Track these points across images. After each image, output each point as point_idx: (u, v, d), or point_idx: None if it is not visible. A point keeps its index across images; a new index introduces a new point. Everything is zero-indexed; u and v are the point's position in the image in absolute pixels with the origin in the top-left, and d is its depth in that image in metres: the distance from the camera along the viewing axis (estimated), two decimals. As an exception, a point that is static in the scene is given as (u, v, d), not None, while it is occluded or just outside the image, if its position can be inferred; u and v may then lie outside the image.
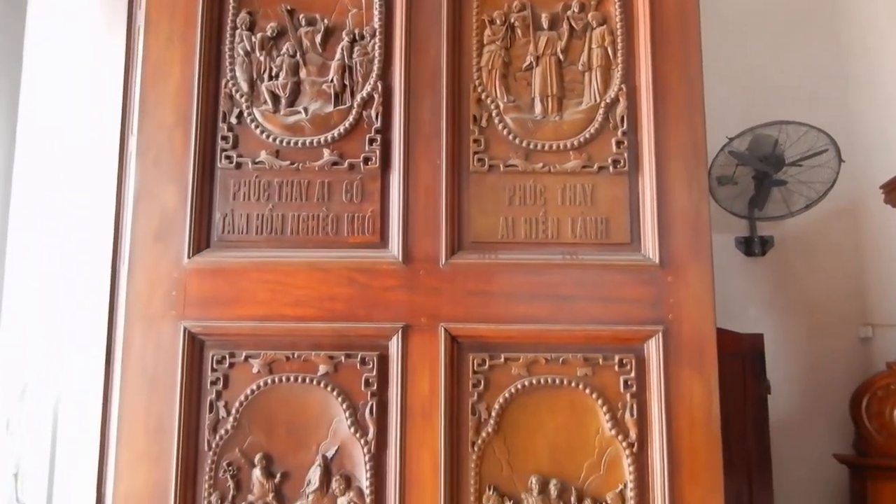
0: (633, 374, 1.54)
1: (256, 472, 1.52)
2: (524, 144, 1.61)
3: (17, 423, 2.13)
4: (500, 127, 1.62)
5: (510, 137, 1.62)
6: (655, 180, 1.59)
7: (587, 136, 1.62)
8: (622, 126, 1.62)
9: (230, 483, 1.51)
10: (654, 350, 1.54)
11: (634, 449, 1.52)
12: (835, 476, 2.53)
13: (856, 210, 2.78)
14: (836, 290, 2.74)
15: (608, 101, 1.62)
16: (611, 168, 1.61)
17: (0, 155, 2.22)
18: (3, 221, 2.37)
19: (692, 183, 1.60)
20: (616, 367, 1.54)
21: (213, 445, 1.52)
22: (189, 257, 1.56)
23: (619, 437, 1.53)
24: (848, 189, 2.69)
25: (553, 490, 1.52)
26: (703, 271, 1.57)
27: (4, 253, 2.39)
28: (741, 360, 2.24)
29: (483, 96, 1.63)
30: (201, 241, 1.58)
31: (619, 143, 1.61)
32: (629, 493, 1.51)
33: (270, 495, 1.52)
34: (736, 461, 2.20)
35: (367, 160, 1.60)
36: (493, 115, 1.62)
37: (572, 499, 1.51)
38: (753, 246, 2.84)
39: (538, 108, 1.63)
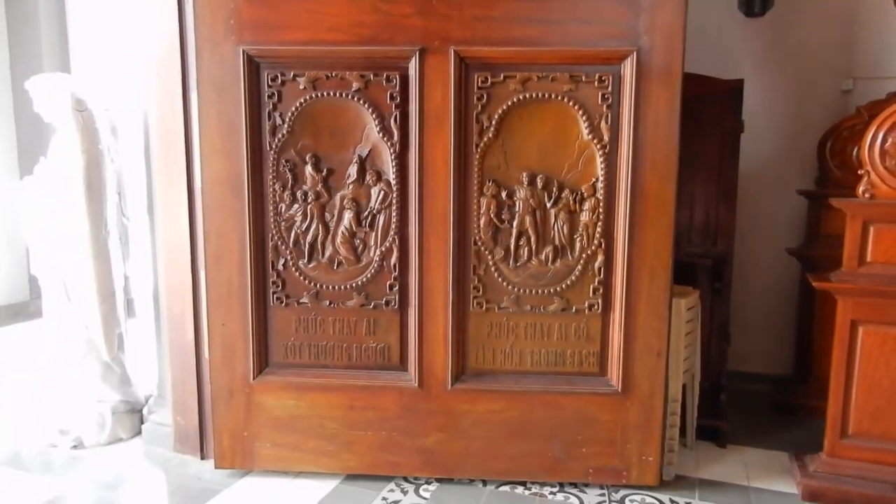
0: (610, 89, 1.87)
1: (308, 168, 1.95)
2: None
3: (115, 153, 2.56)
4: None
5: None
6: (642, -88, 1.78)
7: None
8: None
9: (289, 175, 1.94)
10: (629, 68, 1.84)
11: (607, 150, 1.89)
12: (794, 212, 2.90)
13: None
14: (826, 45, 2.91)
15: None
16: None
17: None
18: None
19: (675, -85, 1.79)
20: (596, 84, 1.87)
21: (274, 146, 1.93)
22: (241, -13, 1.85)
23: (595, 141, 1.89)
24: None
25: (539, 182, 1.92)
26: (676, -2, 1.82)
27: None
28: (721, 100, 2.52)
29: None
30: (250, -26, 1.86)
31: None
32: (599, 185, 1.91)
33: (320, 185, 1.95)
34: (709, 187, 2.60)
35: None
36: None
37: (554, 189, 1.92)
38: (754, 5, 2.99)
39: None
